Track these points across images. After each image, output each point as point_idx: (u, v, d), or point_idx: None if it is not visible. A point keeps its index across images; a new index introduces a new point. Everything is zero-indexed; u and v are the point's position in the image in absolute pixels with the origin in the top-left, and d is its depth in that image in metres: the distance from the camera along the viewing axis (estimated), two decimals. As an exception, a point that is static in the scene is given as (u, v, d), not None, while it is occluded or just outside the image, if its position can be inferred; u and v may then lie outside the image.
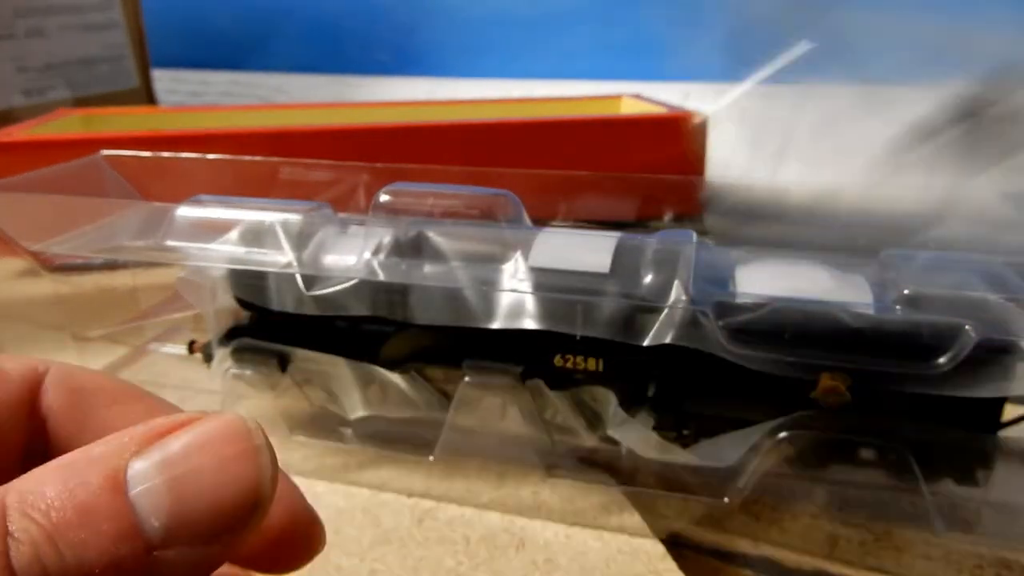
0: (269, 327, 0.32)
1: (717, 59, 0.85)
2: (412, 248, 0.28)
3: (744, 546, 0.29)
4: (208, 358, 0.33)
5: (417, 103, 0.71)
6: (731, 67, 0.85)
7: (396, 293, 0.29)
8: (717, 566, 0.28)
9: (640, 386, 0.28)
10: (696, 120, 0.58)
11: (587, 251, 0.27)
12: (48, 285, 0.35)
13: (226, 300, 0.31)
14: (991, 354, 0.24)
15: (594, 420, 0.29)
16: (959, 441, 0.26)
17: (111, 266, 0.37)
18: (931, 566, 0.27)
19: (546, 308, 0.27)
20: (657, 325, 0.26)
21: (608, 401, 0.28)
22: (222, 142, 0.53)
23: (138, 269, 0.36)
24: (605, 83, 0.81)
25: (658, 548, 0.26)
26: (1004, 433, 0.26)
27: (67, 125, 0.60)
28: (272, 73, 1.10)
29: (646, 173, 0.59)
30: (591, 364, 0.28)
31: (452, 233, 0.28)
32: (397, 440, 0.32)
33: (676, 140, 0.59)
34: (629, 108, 0.66)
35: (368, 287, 0.28)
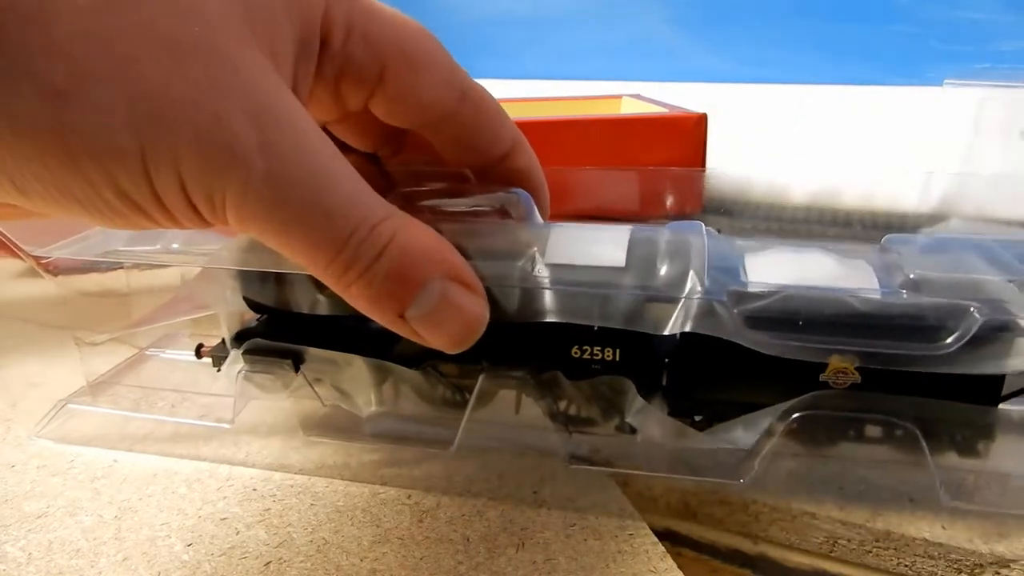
0: (281, 328, 0.32)
1: (718, 60, 0.85)
2: None
3: (744, 546, 0.29)
4: (218, 361, 0.33)
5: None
6: (732, 68, 0.85)
7: None
8: (717, 566, 0.28)
9: (656, 374, 0.29)
10: (695, 120, 0.58)
11: (602, 245, 0.27)
12: (49, 286, 0.35)
13: (237, 301, 0.32)
14: (992, 332, 0.25)
15: (610, 409, 0.30)
16: (962, 415, 0.27)
17: (112, 268, 0.37)
18: (931, 566, 0.27)
19: (563, 304, 0.27)
20: (674, 316, 0.26)
21: (625, 390, 0.28)
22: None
23: (140, 272, 0.36)
24: (605, 83, 0.81)
25: (658, 548, 0.26)
26: (1003, 406, 0.27)
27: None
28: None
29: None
30: (608, 354, 0.28)
31: (466, 231, 0.28)
32: (410, 437, 0.32)
33: (677, 140, 0.59)
34: (629, 108, 0.66)
35: None
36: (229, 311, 0.32)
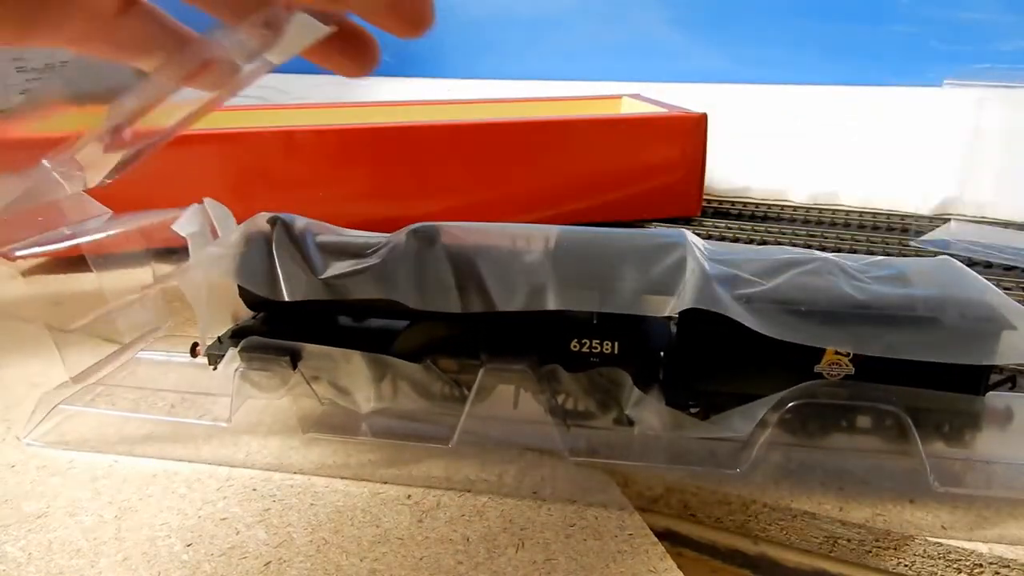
0: (278, 325, 0.32)
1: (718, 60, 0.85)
2: (426, 238, 0.29)
3: (744, 546, 0.29)
4: (214, 360, 0.33)
5: (417, 103, 0.71)
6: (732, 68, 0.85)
7: (411, 278, 0.29)
8: (717, 566, 0.28)
9: (653, 366, 0.30)
10: (695, 120, 0.58)
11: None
12: (50, 286, 0.35)
13: (225, 299, 0.32)
14: (978, 324, 0.26)
15: (608, 402, 0.30)
16: (950, 405, 0.28)
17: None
18: (931, 566, 0.27)
19: (566, 287, 0.28)
20: (676, 296, 0.27)
21: (623, 382, 0.29)
22: (223, 142, 0.53)
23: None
24: (605, 83, 0.81)
25: (658, 548, 0.26)
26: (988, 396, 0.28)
27: (67, 125, 0.60)
28: (272, 73, 1.10)
29: (646, 172, 0.59)
30: (607, 347, 0.29)
31: (465, 227, 0.29)
32: (409, 433, 0.32)
33: (677, 140, 0.59)
34: (629, 108, 0.66)
35: (383, 271, 0.29)
36: (211, 309, 0.32)
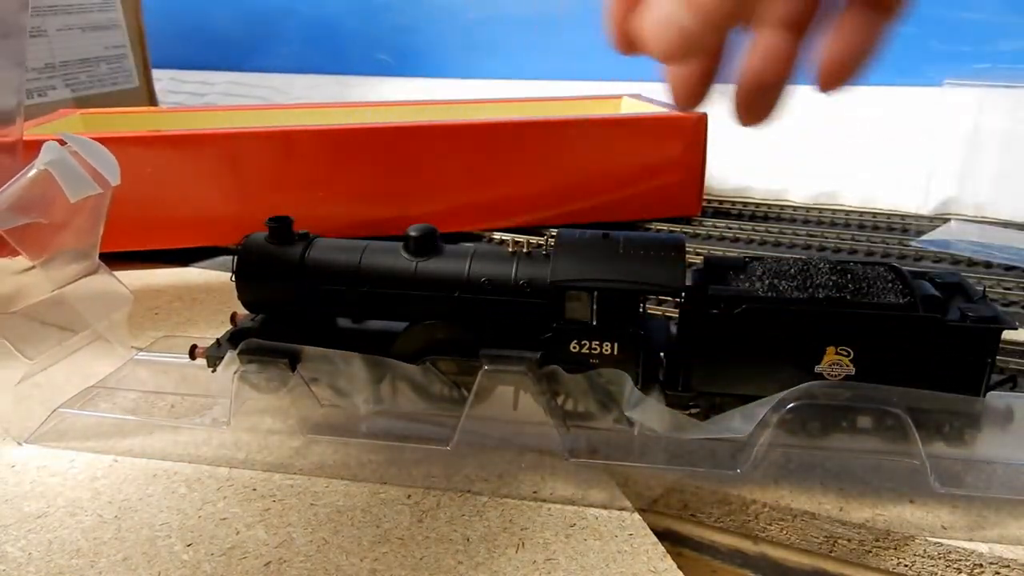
0: (277, 327, 0.32)
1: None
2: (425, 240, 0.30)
3: (744, 546, 0.29)
4: (213, 362, 0.33)
5: (417, 103, 0.71)
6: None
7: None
8: (717, 566, 0.28)
9: (653, 367, 0.30)
10: (695, 120, 0.58)
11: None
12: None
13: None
14: (979, 324, 0.26)
15: (608, 403, 0.30)
16: (950, 405, 0.28)
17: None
18: (931, 566, 0.27)
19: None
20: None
21: (623, 383, 0.29)
22: (222, 142, 0.53)
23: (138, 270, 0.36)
24: (605, 83, 0.81)
25: (658, 548, 0.26)
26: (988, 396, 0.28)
27: (67, 125, 0.60)
28: (272, 73, 1.10)
29: (646, 172, 0.59)
30: (606, 348, 0.29)
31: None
32: (409, 435, 0.32)
33: (677, 140, 0.59)
34: (629, 108, 0.66)
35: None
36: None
